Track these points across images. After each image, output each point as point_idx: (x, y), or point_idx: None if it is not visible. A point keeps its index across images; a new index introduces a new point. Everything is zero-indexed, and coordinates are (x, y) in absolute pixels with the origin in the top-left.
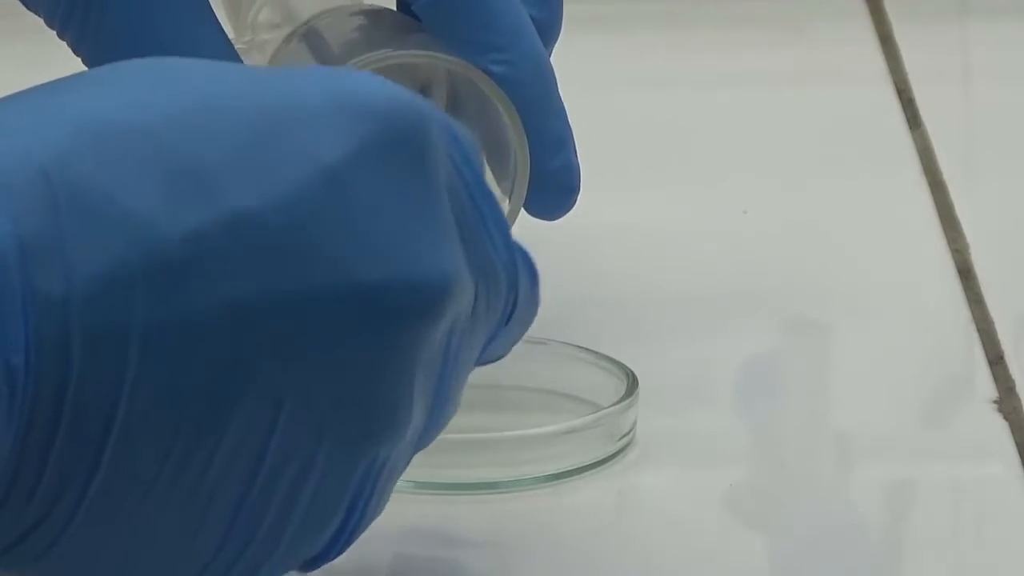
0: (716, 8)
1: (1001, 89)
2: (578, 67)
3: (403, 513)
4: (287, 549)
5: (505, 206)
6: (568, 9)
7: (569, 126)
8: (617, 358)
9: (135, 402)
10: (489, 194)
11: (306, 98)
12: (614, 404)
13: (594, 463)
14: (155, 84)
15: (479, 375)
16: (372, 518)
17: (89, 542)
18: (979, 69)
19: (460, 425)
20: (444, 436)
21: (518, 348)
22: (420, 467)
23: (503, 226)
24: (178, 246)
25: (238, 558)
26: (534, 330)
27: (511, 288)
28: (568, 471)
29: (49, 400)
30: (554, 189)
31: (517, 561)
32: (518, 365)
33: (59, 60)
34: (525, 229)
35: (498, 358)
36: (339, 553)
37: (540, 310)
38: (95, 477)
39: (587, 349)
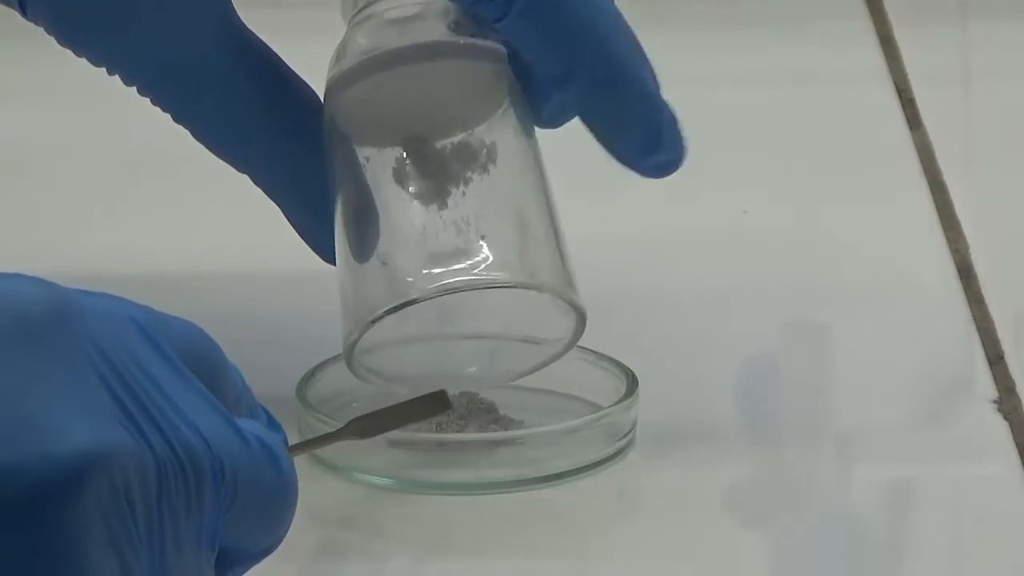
0: (716, 8)
1: (1001, 89)
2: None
3: (403, 513)
4: None
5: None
6: None
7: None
8: (617, 358)
9: None
10: (188, 381)
11: None
12: (614, 404)
13: (594, 463)
14: None
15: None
16: None
17: None
18: (979, 69)
19: (461, 425)
20: (445, 436)
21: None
22: (419, 467)
23: (208, 411)
24: None
25: None
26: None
27: (218, 465)
28: (568, 471)
29: None
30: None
31: (517, 561)
32: None
33: (58, 60)
34: None
35: (269, 547)
36: None
37: None
38: None
39: (587, 349)
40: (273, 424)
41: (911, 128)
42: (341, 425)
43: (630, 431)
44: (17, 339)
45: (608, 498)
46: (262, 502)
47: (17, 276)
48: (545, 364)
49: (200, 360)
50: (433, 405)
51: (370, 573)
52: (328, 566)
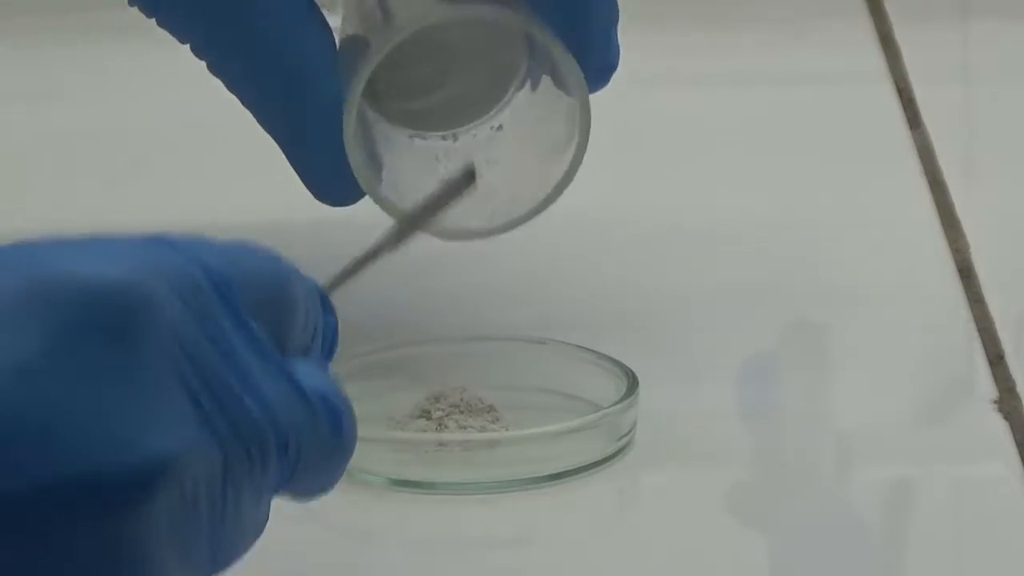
0: (716, 8)
1: (1001, 89)
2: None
3: (403, 513)
4: None
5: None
6: None
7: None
8: (617, 358)
9: None
10: (260, 348)
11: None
12: (614, 404)
13: (594, 463)
14: None
15: (478, 375)
16: None
17: None
18: (979, 69)
19: (461, 424)
20: (445, 436)
21: (518, 348)
22: (419, 467)
23: (275, 380)
24: None
25: None
26: (535, 330)
27: (282, 440)
28: (568, 471)
29: None
30: (592, 68)
31: (517, 561)
32: (518, 365)
33: (60, 60)
34: (528, 226)
35: (317, 494)
36: None
37: (540, 309)
38: None
39: (587, 349)
40: (333, 340)
41: (911, 128)
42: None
43: (630, 431)
44: (92, 334)
45: (608, 498)
46: (321, 463)
47: (95, 249)
48: (555, 194)
49: (271, 302)
50: (462, 183)
51: (369, 573)
52: (327, 566)
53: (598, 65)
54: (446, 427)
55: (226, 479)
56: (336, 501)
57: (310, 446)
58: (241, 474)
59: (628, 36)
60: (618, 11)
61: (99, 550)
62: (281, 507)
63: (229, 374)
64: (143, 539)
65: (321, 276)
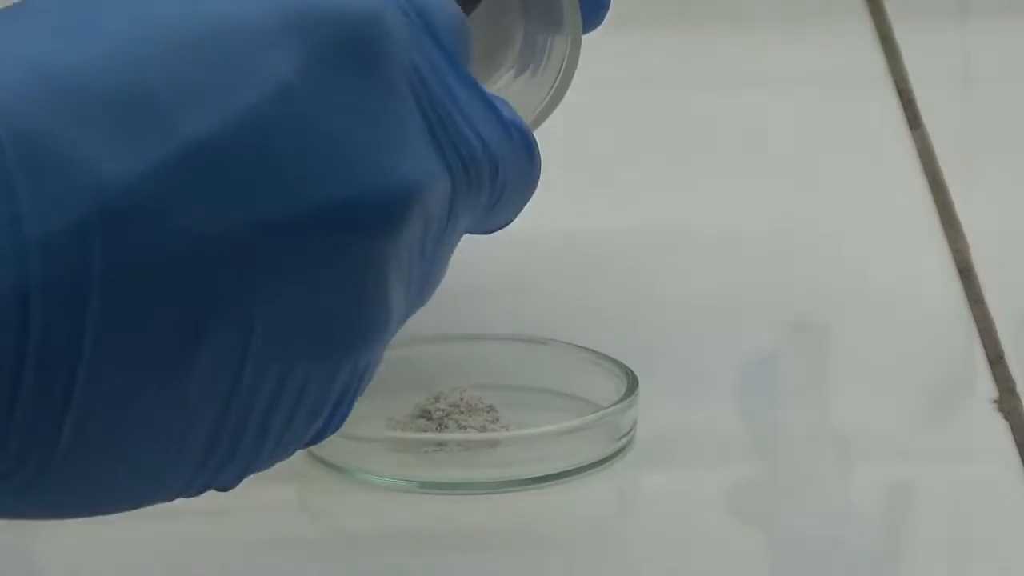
0: (716, 8)
1: (1001, 89)
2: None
3: (403, 513)
4: (273, 449)
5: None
6: None
7: None
8: (617, 358)
9: (100, 347)
10: (465, 76)
11: (249, 9)
12: (614, 404)
13: (594, 463)
14: (91, 14)
15: (478, 375)
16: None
17: (68, 480)
18: (979, 69)
19: (461, 424)
20: (445, 436)
21: (518, 348)
22: (421, 467)
23: (483, 108)
24: (131, 187)
25: (224, 466)
26: (535, 330)
27: (494, 169)
28: (568, 471)
29: (10, 353)
30: (586, 3)
31: (517, 561)
32: (518, 365)
33: None
34: (528, 226)
35: (501, 227)
36: (332, 432)
37: (540, 309)
38: (65, 422)
39: (587, 349)
40: None
41: (911, 128)
42: None
43: (630, 431)
44: (345, 59)
45: (608, 498)
46: (517, 191)
47: None
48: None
49: (460, 39)
50: None
51: (369, 573)
52: (327, 566)
53: (592, 4)
54: (446, 427)
55: (451, 208)
56: (336, 501)
57: (512, 179)
58: (463, 203)
59: (628, 36)
60: None
61: (348, 275)
62: (281, 507)
63: (451, 105)
64: (387, 266)
65: None
